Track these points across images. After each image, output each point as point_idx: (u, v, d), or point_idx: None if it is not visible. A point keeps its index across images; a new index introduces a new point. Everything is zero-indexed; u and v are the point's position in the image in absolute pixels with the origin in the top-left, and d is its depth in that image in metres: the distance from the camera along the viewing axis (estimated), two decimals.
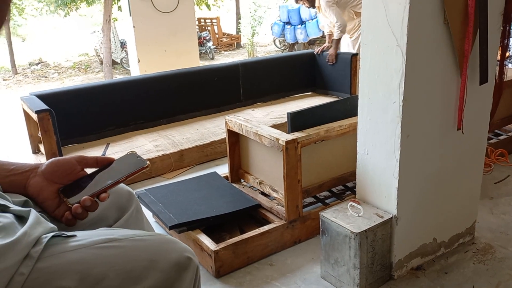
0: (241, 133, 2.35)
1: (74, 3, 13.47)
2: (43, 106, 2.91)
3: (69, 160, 0.98)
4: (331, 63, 4.45)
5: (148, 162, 0.96)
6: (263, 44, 14.89)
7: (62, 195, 0.95)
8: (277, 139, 2.05)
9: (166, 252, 0.83)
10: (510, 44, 1.99)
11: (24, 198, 0.92)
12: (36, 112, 2.81)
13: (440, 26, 1.62)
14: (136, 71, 5.18)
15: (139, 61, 5.05)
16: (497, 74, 2.07)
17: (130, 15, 4.89)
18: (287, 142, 2.00)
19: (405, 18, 1.53)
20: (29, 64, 12.80)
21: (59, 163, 0.97)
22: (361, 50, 1.74)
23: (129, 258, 0.79)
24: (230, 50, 14.24)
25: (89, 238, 0.81)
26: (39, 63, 12.89)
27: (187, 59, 5.28)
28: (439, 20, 1.61)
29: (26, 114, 3.29)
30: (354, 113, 2.01)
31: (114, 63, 10.49)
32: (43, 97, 3.21)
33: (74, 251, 0.77)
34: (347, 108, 2.30)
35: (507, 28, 1.88)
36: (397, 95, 1.62)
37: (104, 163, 1.00)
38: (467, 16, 1.64)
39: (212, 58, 12.22)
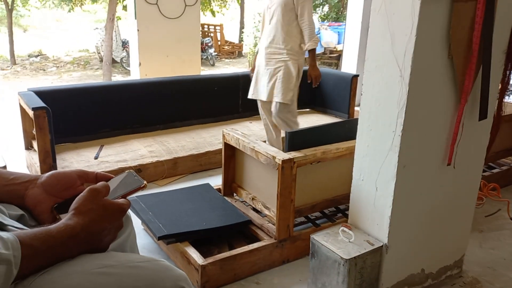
0: (237, 147, 2.34)
1: None
2: (40, 103, 2.88)
3: (70, 174, 0.96)
4: (316, 85, 3.56)
5: (145, 182, 0.95)
6: None
7: (56, 211, 0.93)
8: (274, 157, 2.04)
9: (161, 281, 0.82)
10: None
11: (20, 212, 0.91)
12: (33, 109, 2.78)
13: (444, 60, 1.63)
14: (136, 74, 5.17)
15: (140, 64, 5.04)
16: (495, 110, 2.09)
17: (135, 18, 4.89)
18: (284, 161, 2.00)
19: (410, 49, 1.54)
20: (28, 56, 12.75)
21: (59, 176, 0.96)
22: (364, 77, 1.75)
23: (123, 287, 0.78)
24: (231, 58, 14.28)
25: (83, 263, 0.79)
26: (38, 55, 12.84)
27: (189, 66, 5.28)
28: (444, 54, 1.62)
29: (22, 110, 3.26)
30: (352, 137, 2.01)
31: (114, 62, 10.47)
32: (40, 93, 3.19)
33: (67, 276, 0.75)
34: (346, 131, 2.31)
35: (509, 66, 1.90)
36: (396, 125, 1.63)
37: (102, 180, 0.98)
38: (471, 52, 1.66)
39: (213, 65, 12.24)
